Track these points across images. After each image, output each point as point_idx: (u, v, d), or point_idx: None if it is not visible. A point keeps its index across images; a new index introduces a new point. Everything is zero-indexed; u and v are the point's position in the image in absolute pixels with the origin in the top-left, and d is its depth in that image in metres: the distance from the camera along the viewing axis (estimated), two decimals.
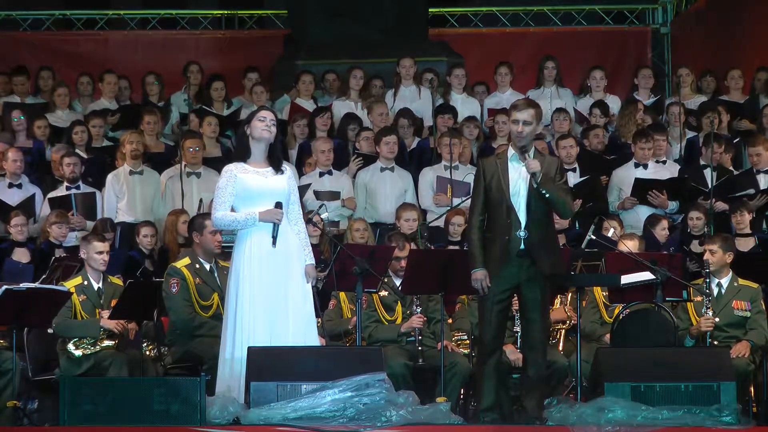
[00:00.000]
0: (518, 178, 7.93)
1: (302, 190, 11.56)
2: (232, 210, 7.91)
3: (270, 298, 7.80)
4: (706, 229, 10.79)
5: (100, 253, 9.18)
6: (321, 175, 11.81)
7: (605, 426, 7.50)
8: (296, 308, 7.86)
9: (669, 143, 12.27)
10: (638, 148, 11.82)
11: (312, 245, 10.34)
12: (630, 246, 9.49)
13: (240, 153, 8.04)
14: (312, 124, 12.69)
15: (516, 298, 8.09)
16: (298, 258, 7.94)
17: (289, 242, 7.91)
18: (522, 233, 7.86)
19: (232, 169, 7.95)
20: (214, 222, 8.04)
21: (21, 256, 10.88)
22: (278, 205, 7.86)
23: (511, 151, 8.02)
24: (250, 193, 7.88)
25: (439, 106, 12.90)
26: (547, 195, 7.85)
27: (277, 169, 8.00)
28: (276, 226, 7.83)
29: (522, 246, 7.86)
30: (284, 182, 7.97)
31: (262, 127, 7.94)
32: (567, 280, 8.62)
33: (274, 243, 7.82)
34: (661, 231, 10.80)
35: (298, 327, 7.85)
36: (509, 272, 7.90)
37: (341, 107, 13.31)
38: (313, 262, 8.05)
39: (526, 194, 7.89)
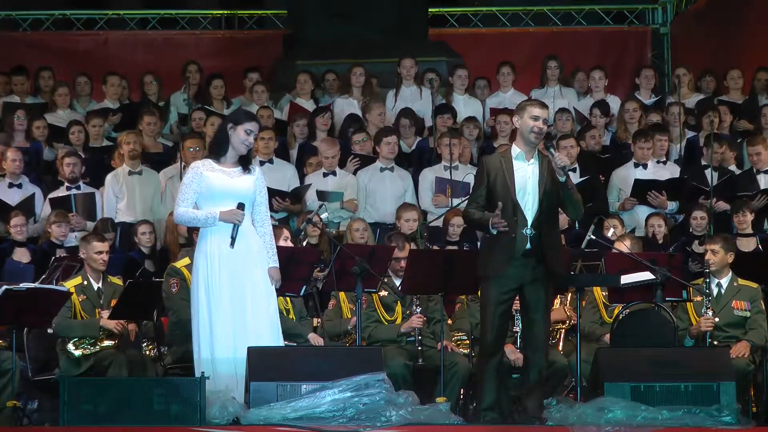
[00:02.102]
0: (525, 177, 7.89)
1: (303, 190, 11.58)
2: (196, 207, 7.89)
3: (230, 298, 7.79)
4: (700, 229, 10.81)
5: (100, 253, 9.19)
6: (325, 175, 11.80)
7: (605, 426, 7.49)
8: (257, 309, 7.83)
9: (671, 142, 12.28)
10: (638, 148, 11.83)
11: (312, 245, 10.45)
12: (627, 246, 9.49)
13: (217, 149, 7.97)
14: (312, 124, 12.68)
15: (517, 298, 8.07)
16: (258, 260, 7.88)
17: (250, 244, 7.86)
18: (528, 231, 7.84)
19: (198, 166, 7.92)
20: (175, 217, 8.05)
21: (21, 256, 10.89)
22: (240, 206, 7.82)
23: (516, 150, 7.97)
24: (213, 192, 7.85)
25: (438, 106, 12.90)
26: (571, 191, 7.83)
27: (246, 168, 7.96)
28: (236, 227, 7.79)
29: (528, 245, 7.84)
30: (250, 183, 7.92)
31: (244, 141, 7.88)
32: (567, 280, 8.62)
33: (232, 244, 7.78)
34: (650, 228, 10.81)
35: (261, 327, 7.82)
36: (514, 272, 7.86)
37: (344, 105, 13.32)
38: (277, 265, 7.96)
39: (534, 192, 7.86)
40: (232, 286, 7.80)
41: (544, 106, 8.01)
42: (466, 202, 8.29)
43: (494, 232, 7.82)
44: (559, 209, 8.05)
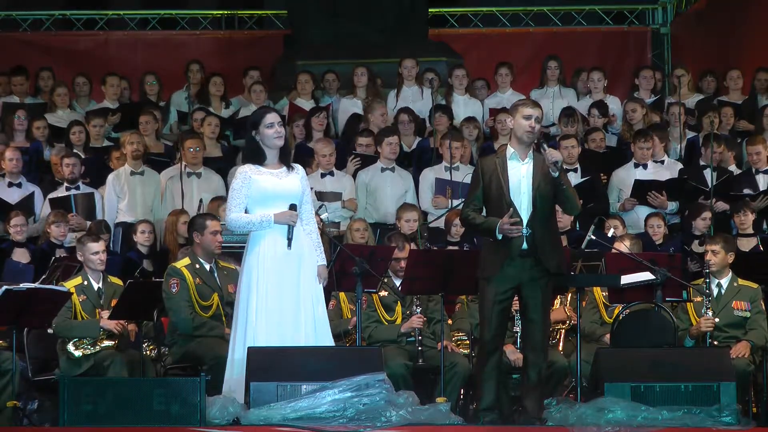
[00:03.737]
0: (519, 176, 7.91)
1: None
2: (246, 212, 7.91)
3: (282, 300, 7.80)
4: (706, 230, 10.80)
5: (96, 253, 9.19)
6: (323, 176, 11.80)
7: (605, 426, 7.49)
8: (307, 310, 7.86)
9: (669, 141, 12.26)
10: (637, 148, 11.82)
11: None
12: (627, 246, 9.49)
13: (255, 158, 7.95)
14: (308, 124, 12.66)
15: (516, 298, 8.08)
16: (310, 259, 7.93)
17: (302, 244, 7.90)
18: (524, 231, 7.85)
19: (246, 170, 7.91)
20: (229, 223, 8.01)
21: (21, 256, 10.88)
22: (292, 207, 7.84)
23: (510, 150, 7.99)
24: (265, 194, 7.86)
25: (435, 106, 12.89)
26: (564, 186, 7.83)
27: (289, 167, 7.99)
28: (291, 228, 7.81)
29: (525, 245, 7.85)
30: (297, 182, 7.95)
31: (274, 135, 7.90)
32: (567, 280, 8.62)
33: (289, 245, 7.80)
34: (649, 228, 10.80)
35: (310, 329, 7.85)
36: (511, 272, 7.87)
37: (348, 105, 13.31)
38: (325, 262, 8.04)
39: (528, 192, 7.88)
40: (286, 287, 7.81)
41: (536, 105, 8.04)
42: (463, 203, 8.30)
43: (500, 237, 7.83)
44: (557, 207, 8.06)
